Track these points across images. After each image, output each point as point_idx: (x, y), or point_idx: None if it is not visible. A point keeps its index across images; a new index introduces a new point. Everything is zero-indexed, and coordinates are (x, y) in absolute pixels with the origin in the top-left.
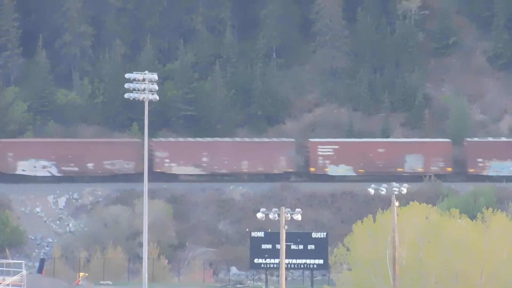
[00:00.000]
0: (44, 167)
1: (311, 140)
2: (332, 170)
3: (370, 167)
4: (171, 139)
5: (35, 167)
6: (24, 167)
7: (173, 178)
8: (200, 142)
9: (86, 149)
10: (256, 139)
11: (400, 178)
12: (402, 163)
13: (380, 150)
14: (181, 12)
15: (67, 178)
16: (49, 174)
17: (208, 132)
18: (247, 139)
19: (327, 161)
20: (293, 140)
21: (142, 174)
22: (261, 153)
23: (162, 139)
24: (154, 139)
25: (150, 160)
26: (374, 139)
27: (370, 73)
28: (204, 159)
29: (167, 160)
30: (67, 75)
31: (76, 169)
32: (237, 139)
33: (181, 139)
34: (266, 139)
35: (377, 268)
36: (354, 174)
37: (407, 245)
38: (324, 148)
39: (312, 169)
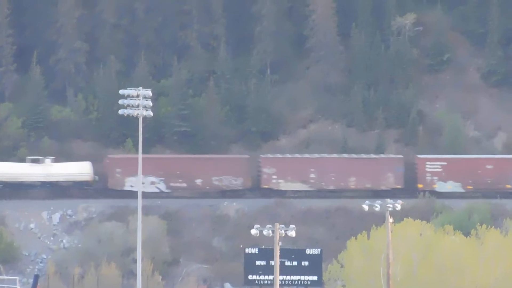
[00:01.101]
0: (152, 183)
1: (419, 156)
2: (440, 187)
3: (479, 183)
4: (279, 155)
5: (143, 183)
6: (132, 183)
7: (280, 194)
8: (308, 158)
9: (194, 165)
10: (364, 155)
11: (509, 195)
12: (511, 179)
13: (489, 166)
14: (175, 28)
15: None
16: (158, 190)
17: (202, 148)
18: (354, 155)
19: (435, 178)
20: (401, 156)
21: (250, 190)
22: (369, 169)
23: (270, 155)
24: (262, 155)
25: (258, 176)
26: (482, 156)
27: (364, 89)
28: (312, 175)
29: (274, 177)
30: (61, 91)
31: (184, 185)
32: (345, 155)
33: (288, 155)
34: (374, 155)
35: (372, 284)
36: (462, 190)
37: (401, 262)
38: (432, 164)
39: (420, 186)
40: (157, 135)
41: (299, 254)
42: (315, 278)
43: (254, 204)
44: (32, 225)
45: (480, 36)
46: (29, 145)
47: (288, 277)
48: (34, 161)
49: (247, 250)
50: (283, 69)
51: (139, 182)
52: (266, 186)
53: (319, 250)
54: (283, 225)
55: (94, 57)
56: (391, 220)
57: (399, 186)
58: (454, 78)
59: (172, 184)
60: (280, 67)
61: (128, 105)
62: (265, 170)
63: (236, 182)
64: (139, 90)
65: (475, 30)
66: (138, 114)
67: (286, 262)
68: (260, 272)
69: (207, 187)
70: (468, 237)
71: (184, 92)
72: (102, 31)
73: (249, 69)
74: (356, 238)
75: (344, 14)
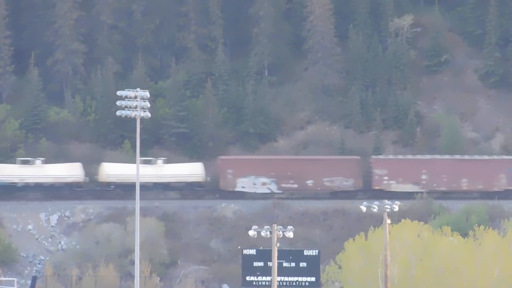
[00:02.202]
0: (263, 184)
1: None
2: None
3: None
4: (391, 157)
5: (254, 184)
6: (243, 184)
7: (392, 195)
8: (420, 159)
9: (306, 166)
10: (477, 156)
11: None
12: None
13: None
14: (173, 30)
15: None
16: (269, 191)
17: (200, 150)
18: (467, 157)
19: None
20: None
21: (361, 191)
22: (480, 171)
23: (382, 157)
24: (373, 157)
25: (369, 177)
26: None
27: (362, 90)
28: (424, 176)
29: (386, 178)
30: (59, 93)
31: (295, 186)
32: (457, 156)
33: (400, 157)
34: (486, 157)
35: (369, 286)
36: None
37: (399, 263)
38: None
39: None
40: (155, 136)
41: (297, 255)
42: (313, 279)
43: (252, 205)
44: (30, 227)
45: (478, 37)
46: (27, 147)
47: (286, 278)
48: (146, 162)
49: (245, 251)
50: (281, 70)
51: (251, 183)
52: (377, 188)
53: (317, 251)
54: (281, 226)
55: (92, 58)
56: (388, 221)
57: (511, 188)
58: (452, 79)
59: (283, 185)
60: (278, 69)
61: (126, 106)
62: (376, 171)
63: (347, 183)
64: (137, 91)
65: (473, 31)
66: (136, 115)
67: (284, 263)
68: (258, 273)
69: (318, 188)
70: (466, 238)
71: (182, 94)
72: (99, 33)
73: (247, 71)
74: (353, 240)
75: (342, 15)
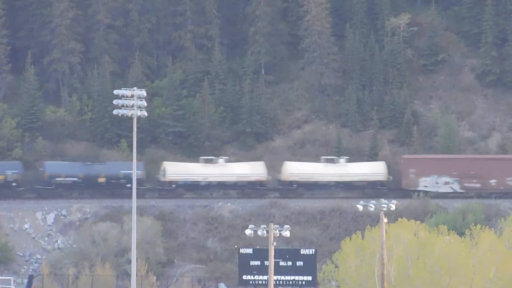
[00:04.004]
0: (446, 183)
1: None
2: None
3: None
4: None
5: (437, 183)
6: (426, 183)
7: None
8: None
9: (489, 166)
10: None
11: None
12: None
13: None
14: (169, 29)
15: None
16: (451, 190)
17: (196, 149)
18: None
19: None
20: None
21: None
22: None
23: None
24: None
25: None
26: None
27: (359, 89)
28: None
29: None
30: (56, 92)
31: (478, 185)
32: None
33: None
34: None
35: (366, 285)
36: None
37: (395, 262)
38: None
39: None
40: (151, 135)
41: (294, 254)
42: (310, 278)
43: (248, 204)
44: (26, 226)
45: (475, 37)
46: (24, 146)
47: (282, 277)
48: (328, 160)
49: (242, 250)
50: (277, 69)
51: (433, 182)
52: None
53: (313, 250)
54: (277, 225)
55: (88, 57)
56: (385, 220)
57: None
58: (448, 78)
59: (466, 185)
60: (275, 68)
61: (122, 106)
62: None
63: None
64: (133, 90)
65: (470, 30)
66: (132, 114)
67: (280, 262)
68: (255, 272)
69: (501, 188)
70: (462, 237)
71: (178, 93)
72: (96, 32)
73: (244, 70)
74: (350, 239)
75: (338, 14)
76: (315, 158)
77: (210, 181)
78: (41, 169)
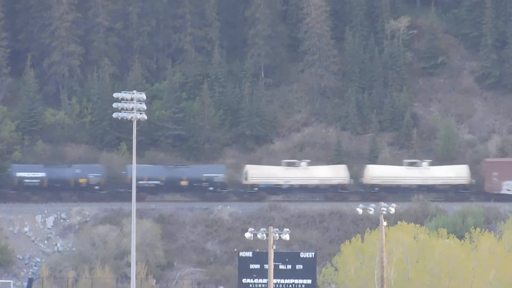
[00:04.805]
0: None
1: None
2: None
3: None
4: None
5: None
6: (509, 187)
7: None
8: None
9: None
10: None
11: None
12: None
13: None
14: (169, 31)
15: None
16: None
17: (196, 151)
18: None
19: None
20: None
21: None
22: None
23: None
24: None
25: None
26: None
27: (358, 92)
28: None
29: None
30: (55, 95)
31: None
32: None
33: None
34: None
35: None
36: None
37: (395, 265)
38: None
39: None
40: (151, 138)
41: (293, 258)
42: (309, 281)
43: (248, 207)
44: (26, 229)
45: (474, 39)
46: (23, 149)
47: (282, 281)
48: (411, 164)
49: (241, 254)
50: (277, 72)
51: None
52: None
53: (313, 253)
54: (277, 229)
55: (88, 60)
56: (385, 223)
57: None
58: (448, 81)
59: None
60: (274, 71)
61: (122, 108)
62: None
63: None
64: (133, 93)
65: (469, 33)
66: (132, 117)
67: (280, 265)
68: (254, 275)
69: None
70: (462, 240)
71: (178, 96)
72: (96, 35)
73: (243, 73)
74: (350, 242)
75: (338, 17)
76: (397, 161)
77: (292, 185)
78: (123, 172)
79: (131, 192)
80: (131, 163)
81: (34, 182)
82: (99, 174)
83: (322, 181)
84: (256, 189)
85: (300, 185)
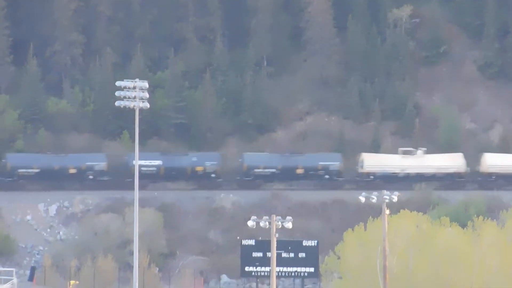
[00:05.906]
0: None
1: None
2: None
3: None
4: None
5: None
6: None
7: None
8: None
9: None
10: None
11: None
12: None
13: None
14: (171, 21)
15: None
16: None
17: (198, 140)
18: None
19: None
20: None
21: None
22: None
23: None
24: None
25: None
26: None
27: (361, 81)
28: None
29: None
30: (58, 84)
31: None
32: None
33: None
34: None
35: (368, 276)
36: None
37: (397, 254)
38: None
39: None
40: (154, 127)
41: (296, 246)
42: (312, 269)
43: (250, 196)
44: (28, 217)
45: (477, 29)
46: (26, 138)
47: (284, 269)
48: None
49: (244, 242)
50: (279, 61)
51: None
52: None
53: (315, 241)
54: (279, 217)
55: (90, 49)
56: (387, 212)
57: None
58: (450, 70)
59: None
60: (277, 60)
61: (124, 97)
62: None
63: None
64: (135, 82)
65: (472, 22)
66: (134, 106)
67: (283, 253)
68: (257, 263)
69: None
70: (465, 229)
71: (180, 85)
72: (98, 24)
73: (246, 62)
74: (352, 230)
75: (340, 6)
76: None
77: (408, 173)
78: (240, 160)
79: (246, 179)
80: (134, 151)
81: (151, 170)
82: (215, 162)
83: (439, 170)
84: (372, 177)
85: (417, 173)
